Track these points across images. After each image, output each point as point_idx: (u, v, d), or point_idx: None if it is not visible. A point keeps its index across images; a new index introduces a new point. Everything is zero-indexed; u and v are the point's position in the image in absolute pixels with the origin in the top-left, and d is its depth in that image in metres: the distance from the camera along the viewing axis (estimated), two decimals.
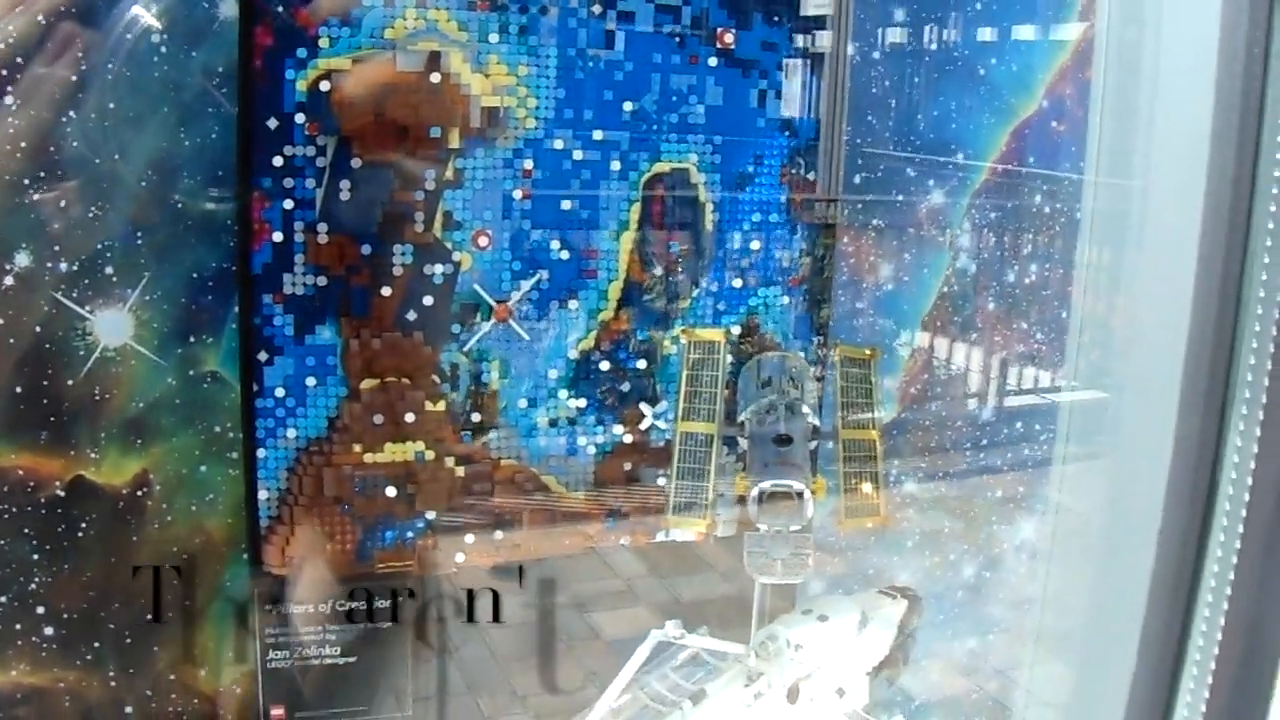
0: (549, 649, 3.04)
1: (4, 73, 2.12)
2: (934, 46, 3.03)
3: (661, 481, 2.76)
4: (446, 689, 2.82)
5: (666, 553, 3.09)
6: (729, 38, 2.66)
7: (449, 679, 2.82)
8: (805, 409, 2.35)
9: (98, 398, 2.30)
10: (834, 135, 2.82)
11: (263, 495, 2.50)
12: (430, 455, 2.60)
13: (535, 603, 3.00)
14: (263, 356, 2.45)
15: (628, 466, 2.78)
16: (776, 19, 2.71)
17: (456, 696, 2.90)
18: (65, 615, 2.37)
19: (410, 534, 2.63)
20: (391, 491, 2.58)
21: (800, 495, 2.15)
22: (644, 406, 2.77)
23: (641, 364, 2.75)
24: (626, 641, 3.13)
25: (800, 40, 2.75)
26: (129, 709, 2.47)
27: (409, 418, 2.56)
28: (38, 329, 2.23)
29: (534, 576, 2.88)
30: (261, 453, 2.48)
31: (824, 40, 2.75)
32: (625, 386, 2.75)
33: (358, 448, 2.55)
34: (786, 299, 2.85)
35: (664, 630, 2.26)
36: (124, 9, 2.20)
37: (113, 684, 2.44)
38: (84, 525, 2.35)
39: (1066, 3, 3.05)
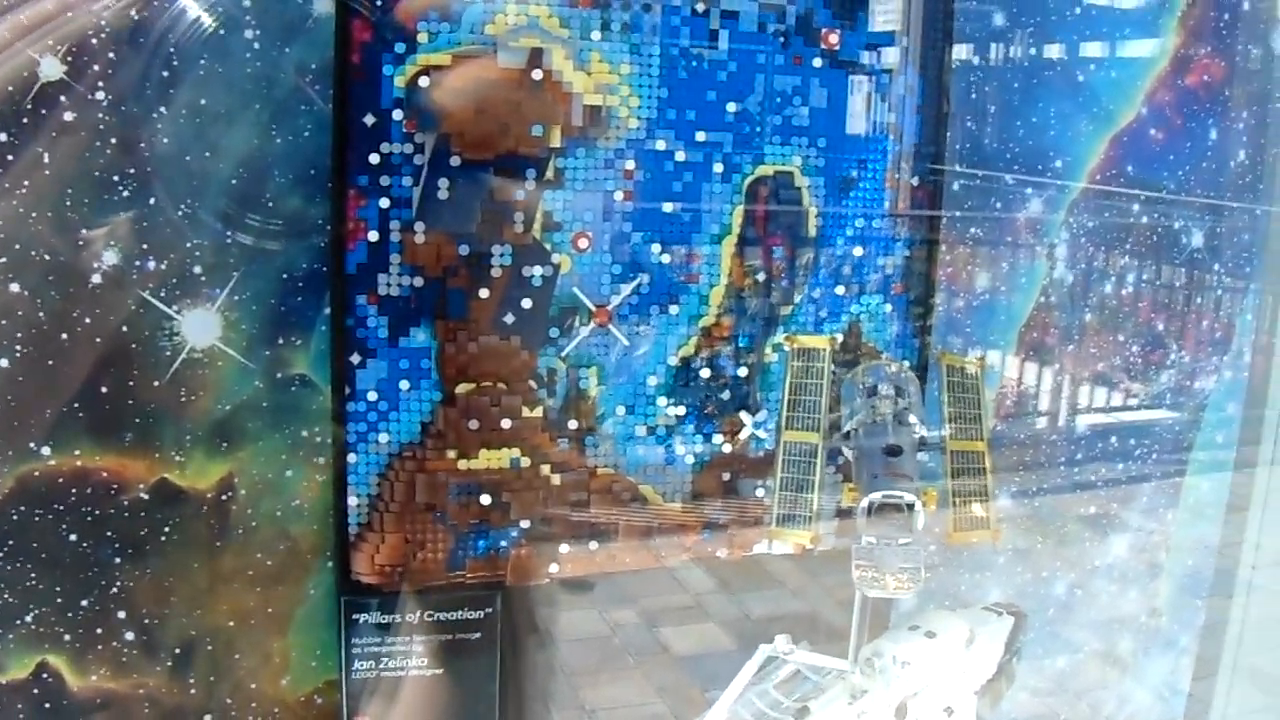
0: (619, 664, 2.96)
1: (95, 67, 2.03)
2: (1032, 54, 2.91)
3: (760, 493, 2.66)
4: (526, 703, 2.68)
5: (734, 568, 2.99)
6: (834, 38, 2.54)
7: (527, 693, 2.68)
8: (913, 419, 2.23)
9: (184, 399, 2.21)
10: (937, 143, 2.71)
11: (352, 501, 2.38)
12: (526, 462, 2.48)
13: (605, 617, 2.92)
14: (355, 359, 2.33)
15: (726, 477, 2.65)
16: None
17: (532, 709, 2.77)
18: (147, 620, 2.28)
19: (504, 543, 2.51)
20: (485, 499, 2.46)
21: (910, 507, 2.04)
22: (744, 415, 2.64)
23: (742, 372, 2.63)
24: (695, 658, 3.05)
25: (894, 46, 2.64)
26: (209, 717, 2.37)
27: (505, 423, 2.44)
28: (124, 329, 2.14)
29: (603, 591, 2.79)
30: (352, 457, 2.36)
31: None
32: (725, 394, 2.63)
33: (451, 454, 2.42)
34: (889, 307, 2.72)
35: (772, 645, 2.18)
36: (217, 3, 2.10)
37: (193, 691, 2.35)
38: (167, 529, 2.25)
39: (1166, 9, 2.95)
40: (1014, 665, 2.40)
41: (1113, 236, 3.09)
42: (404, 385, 2.38)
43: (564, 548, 2.57)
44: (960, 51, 2.81)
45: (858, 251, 2.67)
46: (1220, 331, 3.37)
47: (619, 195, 2.45)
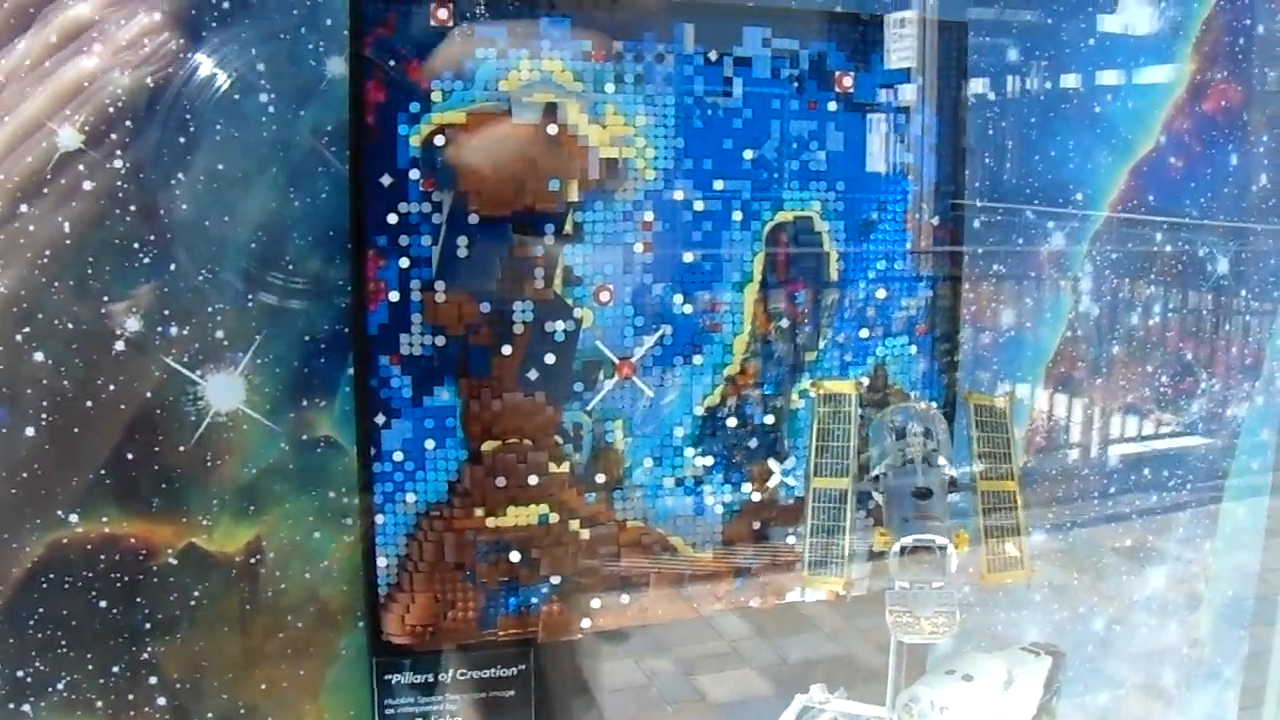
0: (657, 713, 2.92)
1: (113, 136, 2.03)
2: (1048, 87, 2.89)
3: (792, 540, 2.63)
4: None
5: (770, 614, 2.95)
6: (848, 81, 2.52)
7: None
8: (942, 460, 2.21)
9: (209, 464, 2.20)
10: (957, 180, 2.69)
11: (381, 562, 2.36)
12: (554, 518, 2.45)
13: (641, 666, 2.89)
14: (380, 419, 2.31)
15: (756, 525, 2.62)
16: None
17: None
18: (178, 685, 2.26)
19: (534, 599, 2.49)
20: (515, 556, 2.44)
21: (943, 550, 2.03)
22: (772, 463, 2.61)
23: (769, 419, 2.60)
24: (732, 705, 3.02)
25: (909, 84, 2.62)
26: None
27: (532, 480, 2.42)
28: (148, 394, 2.13)
29: (638, 640, 2.77)
30: (380, 518, 2.34)
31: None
32: (753, 443, 2.60)
33: (479, 512, 2.40)
34: (914, 348, 2.69)
35: (808, 695, 2.17)
36: (231, 68, 2.10)
37: None
38: (196, 594, 2.24)
39: (1180, 36, 2.92)
40: (1054, 705, 2.38)
41: (1137, 266, 3.06)
42: (429, 444, 2.36)
43: (595, 602, 2.54)
44: (976, 86, 2.79)
45: (880, 293, 2.65)
46: (1250, 357, 3.33)
47: (639, 247, 2.43)
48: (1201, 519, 3.34)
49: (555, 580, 2.50)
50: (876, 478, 2.25)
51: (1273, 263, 3.25)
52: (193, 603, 2.24)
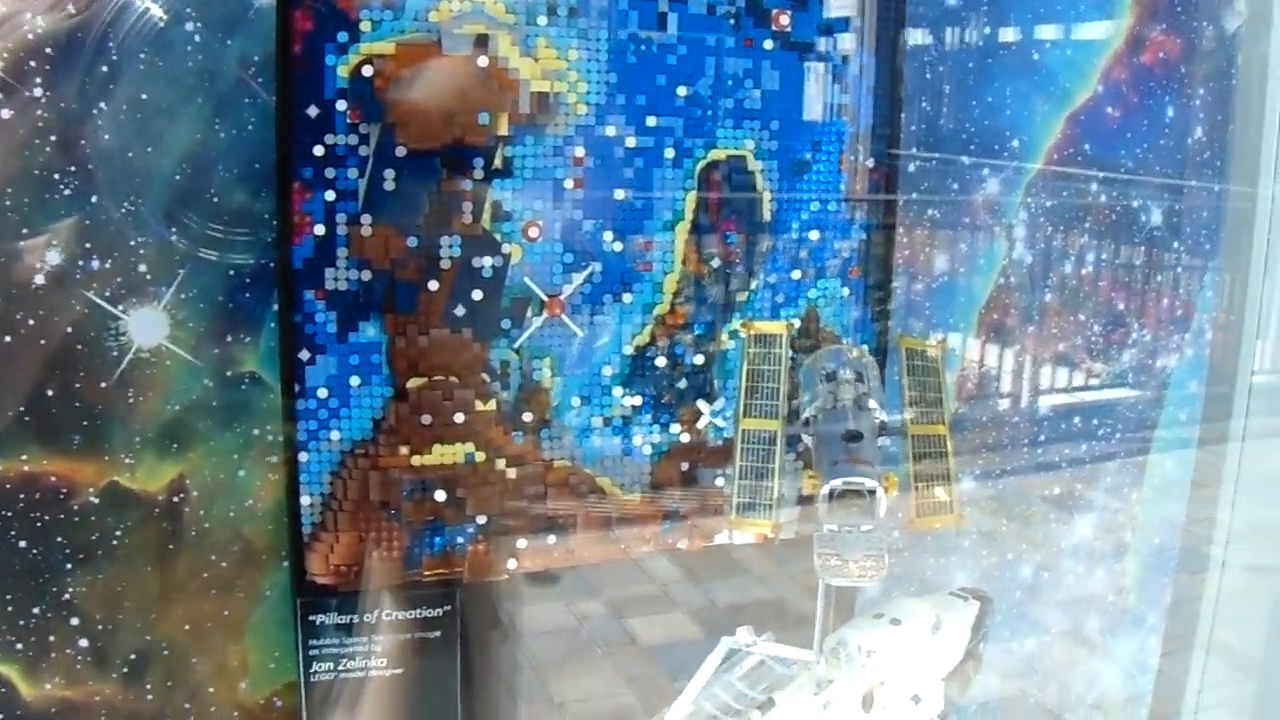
0: (587, 656, 2.92)
1: (33, 64, 2.00)
2: (987, 34, 2.91)
3: (720, 483, 2.64)
4: (490, 698, 2.66)
5: (701, 557, 2.97)
6: (785, 19, 2.51)
7: (491, 687, 2.67)
8: (873, 404, 2.20)
9: (132, 400, 2.17)
10: (893, 124, 2.70)
11: (305, 501, 2.34)
12: (480, 457, 2.44)
13: (571, 608, 2.90)
14: (304, 355, 2.29)
15: (685, 467, 2.63)
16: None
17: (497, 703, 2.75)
18: (100, 626, 2.24)
19: (460, 539, 2.48)
20: (440, 495, 2.43)
21: (872, 493, 2.01)
22: (701, 404, 2.62)
23: (699, 360, 2.60)
24: (663, 648, 3.03)
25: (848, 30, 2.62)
26: None
27: (458, 417, 2.41)
28: (69, 329, 2.10)
29: (569, 581, 2.77)
30: (304, 456, 2.32)
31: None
32: (682, 383, 2.60)
33: (405, 450, 2.39)
34: (847, 291, 2.70)
35: (734, 637, 2.15)
36: None
37: (149, 698, 2.31)
38: (119, 533, 2.21)
39: None
40: (981, 650, 2.39)
41: (1071, 216, 3.08)
42: (355, 381, 2.34)
43: (522, 542, 2.54)
44: (915, 35, 2.79)
45: (813, 236, 2.65)
46: (1181, 309, 3.37)
47: (569, 183, 2.41)
48: (1129, 469, 3.39)
49: (481, 520, 2.49)
50: (807, 421, 2.24)
51: (1205, 215, 3.28)
52: (115, 542, 2.22)
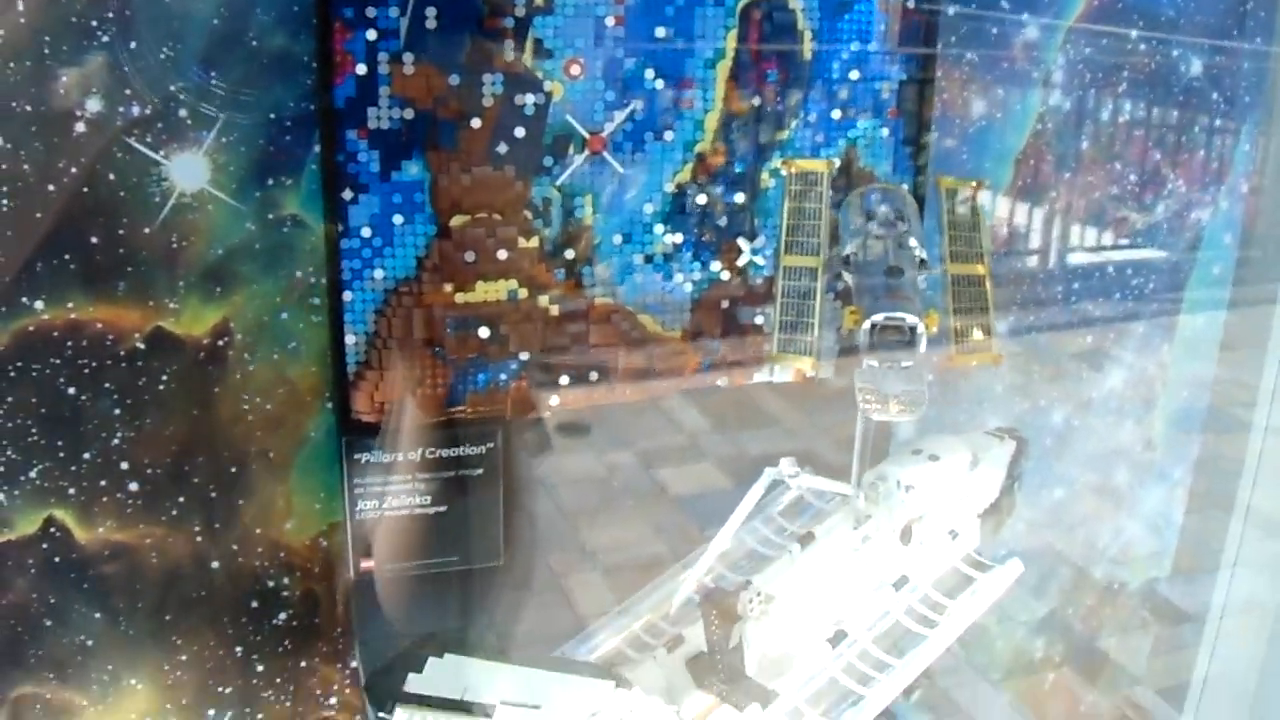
0: (617, 505, 2.95)
1: None
2: None
3: (760, 321, 2.68)
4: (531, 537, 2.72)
5: (730, 409, 3.00)
6: None
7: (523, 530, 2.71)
8: (913, 242, 2.21)
9: (175, 246, 2.20)
10: None
11: (350, 340, 2.38)
12: (523, 294, 2.48)
13: (601, 459, 2.93)
14: (348, 195, 2.31)
15: (725, 305, 2.66)
16: None
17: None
18: (149, 470, 2.29)
19: (504, 376, 2.52)
20: (484, 332, 2.47)
21: (913, 329, 2.02)
22: (741, 242, 2.64)
23: (739, 198, 2.62)
24: (693, 498, 3.07)
25: None
26: (215, 564, 2.40)
27: (501, 255, 2.44)
28: (111, 176, 2.11)
29: (598, 434, 2.80)
30: (348, 295, 2.36)
31: None
32: (722, 221, 2.62)
33: (448, 287, 2.42)
34: (886, 131, 2.70)
35: (778, 468, 2.13)
36: None
37: (198, 539, 2.37)
38: (164, 378, 2.26)
39: None
40: (1015, 490, 2.42)
41: (1110, 64, 3.06)
42: (398, 220, 2.36)
43: (564, 379, 2.58)
44: None
45: (853, 76, 2.64)
46: (1218, 163, 3.36)
47: (610, 20, 2.41)
48: (1161, 326, 3.40)
49: (524, 357, 2.53)
50: (847, 257, 2.25)
51: (1245, 68, 3.26)
52: (161, 387, 2.26)
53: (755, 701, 2.05)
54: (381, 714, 1.86)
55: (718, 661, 2.11)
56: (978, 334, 2.27)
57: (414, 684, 1.90)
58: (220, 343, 2.28)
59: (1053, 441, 3.26)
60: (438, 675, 1.92)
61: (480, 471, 2.52)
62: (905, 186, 2.65)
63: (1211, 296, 3.41)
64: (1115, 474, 3.46)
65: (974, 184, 2.43)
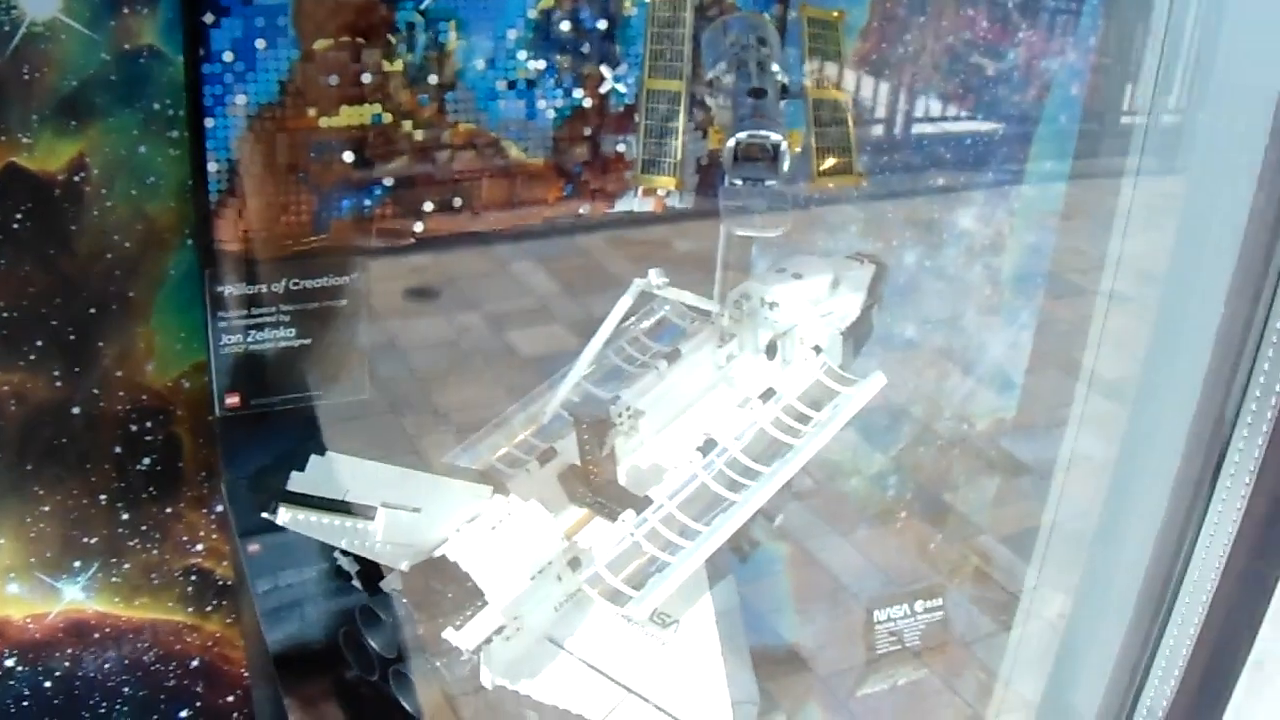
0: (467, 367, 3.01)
1: None
2: None
3: (621, 149, 2.74)
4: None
5: (578, 272, 3.06)
6: None
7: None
8: (775, 66, 2.24)
9: (27, 77, 2.16)
10: None
11: (212, 167, 2.38)
12: (387, 118, 2.50)
13: (452, 322, 2.97)
14: (208, 19, 2.29)
15: (587, 131, 2.71)
16: None
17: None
18: (4, 314, 2.29)
19: (368, 203, 2.55)
20: (348, 156, 2.49)
21: (776, 147, 2.06)
22: (604, 69, 2.69)
23: (602, 24, 2.66)
24: (542, 359, 3.13)
25: None
26: (76, 409, 2.41)
27: (365, 79, 2.46)
28: None
29: (448, 296, 2.84)
30: (210, 122, 2.36)
31: None
32: (585, 48, 2.66)
33: (312, 112, 2.44)
34: None
35: (645, 279, 2.20)
36: None
37: (58, 384, 2.38)
38: (19, 215, 2.24)
39: None
40: (873, 312, 2.51)
41: None
42: (260, 44, 2.36)
43: (428, 205, 2.62)
44: None
45: None
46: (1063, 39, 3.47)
47: None
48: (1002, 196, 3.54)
49: (388, 183, 2.57)
50: (711, 81, 2.30)
51: None
52: (15, 225, 2.25)
53: (629, 509, 2.11)
54: (264, 513, 1.89)
55: (590, 474, 2.19)
56: (840, 156, 2.34)
57: (296, 482, 1.93)
58: (76, 178, 2.26)
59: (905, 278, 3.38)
60: (320, 475, 1.95)
61: (344, 302, 2.56)
62: (767, 15, 2.72)
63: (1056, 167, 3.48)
64: (957, 342, 3.65)
65: (835, 13, 2.49)
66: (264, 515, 1.86)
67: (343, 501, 1.91)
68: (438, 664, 1.97)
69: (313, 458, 1.95)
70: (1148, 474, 2.03)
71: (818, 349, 2.29)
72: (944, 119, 3.30)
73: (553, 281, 3.43)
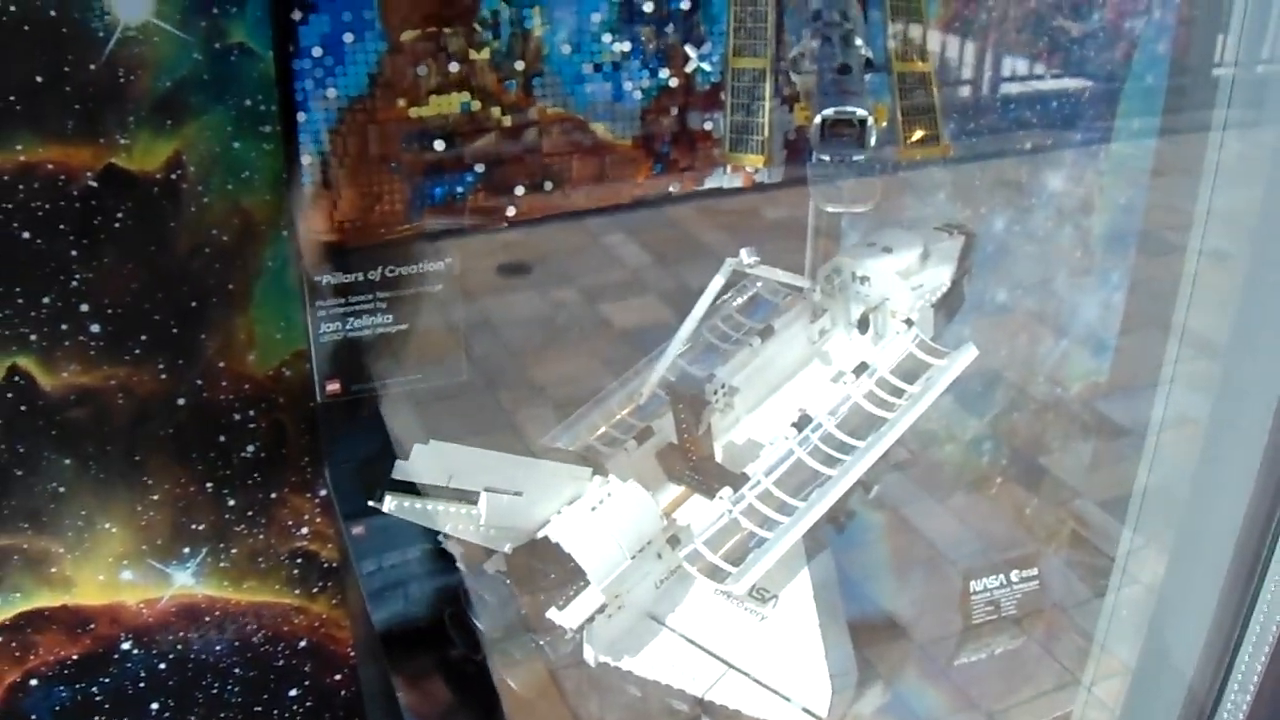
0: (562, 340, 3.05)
1: None
2: None
3: (709, 126, 2.74)
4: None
5: (671, 243, 3.09)
6: None
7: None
8: (858, 40, 2.27)
9: (122, 80, 2.21)
10: None
11: (305, 160, 2.44)
12: (476, 106, 2.54)
13: (546, 296, 3.00)
14: (296, 16, 2.35)
15: (674, 111, 2.73)
16: None
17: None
18: (110, 311, 2.33)
19: (460, 189, 2.59)
20: (439, 145, 2.53)
21: (863, 122, 2.08)
22: (689, 49, 2.70)
23: (685, 4, 2.67)
24: (634, 332, 3.16)
25: None
26: (181, 401, 2.46)
27: (452, 68, 2.49)
28: (52, 12, 2.11)
29: (540, 271, 2.88)
30: (302, 116, 2.41)
31: None
32: (669, 28, 2.68)
33: (401, 102, 2.48)
34: None
35: (737, 258, 2.21)
36: None
37: (163, 378, 2.43)
38: (119, 215, 2.29)
39: None
40: (964, 283, 2.54)
41: None
42: (348, 38, 2.41)
43: (519, 189, 2.66)
44: None
45: None
46: None
47: None
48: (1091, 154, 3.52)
49: (479, 168, 2.61)
50: (795, 58, 2.33)
51: None
52: (117, 225, 2.30)
53: (726, 486, 2.16)
54: (370, 502, 1.96)
55: (687, 451, 2.24)
56: (926, 128, 2.36)
57: (400, 470, 1.98)
58: (174, 176, 2.31)
59: (994, 247, 3.38)
60: (423, 462, 2.00)
61: (440, 287, 2.60)
62: None
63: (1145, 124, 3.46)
64: (1050, 305, 3.62)
65: None
66: (370, 504, 1.91)
67: (445, 488, 1.97)
68: (541, 643, 2.02)
69: (416, 446, 1.98)
70: (1241, 434, 2.03)
71: (909, 322, 2.32)
72: (1031, 78, 3.25)
73: (645, 253, 3.45)
